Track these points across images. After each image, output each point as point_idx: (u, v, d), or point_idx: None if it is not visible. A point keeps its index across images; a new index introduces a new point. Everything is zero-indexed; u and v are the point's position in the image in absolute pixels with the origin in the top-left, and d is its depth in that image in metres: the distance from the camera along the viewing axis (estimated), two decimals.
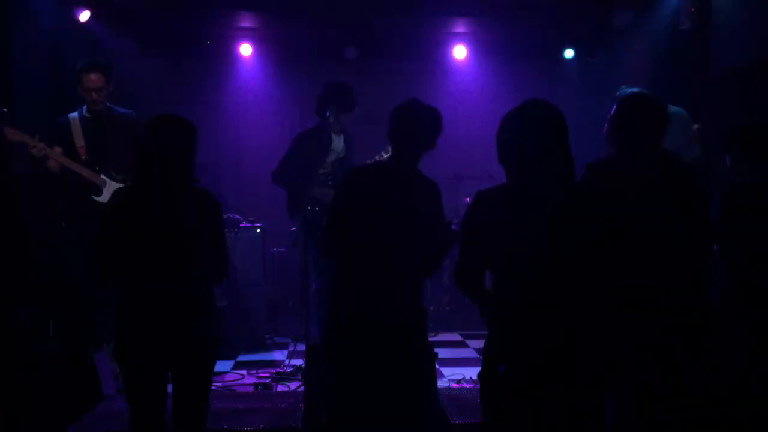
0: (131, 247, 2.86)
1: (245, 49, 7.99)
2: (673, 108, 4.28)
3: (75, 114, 5.07)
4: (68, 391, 4.14)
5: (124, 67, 7.66)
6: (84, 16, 6.74)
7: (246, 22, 7.69)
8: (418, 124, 3.13)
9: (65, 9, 6.50)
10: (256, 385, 4.96)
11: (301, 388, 4.62)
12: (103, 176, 4.95)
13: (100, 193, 4.90)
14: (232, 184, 7.85)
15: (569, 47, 8.14)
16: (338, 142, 5.28)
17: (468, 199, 7.74)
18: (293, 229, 5.82)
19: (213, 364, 3.07)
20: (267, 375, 5.20)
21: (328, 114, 5.06)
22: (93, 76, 4.92)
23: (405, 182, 3.09)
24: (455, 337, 6.89)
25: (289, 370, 5.25)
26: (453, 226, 3.19)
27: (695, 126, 4.99)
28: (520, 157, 2.47)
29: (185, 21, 7.24)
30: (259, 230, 6.75)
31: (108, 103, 5.11)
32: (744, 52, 5.00)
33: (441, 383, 4.68)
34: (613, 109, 3.05)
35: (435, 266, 3.18)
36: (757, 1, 4.94)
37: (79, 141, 4.95)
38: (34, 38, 5.87)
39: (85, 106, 5.07)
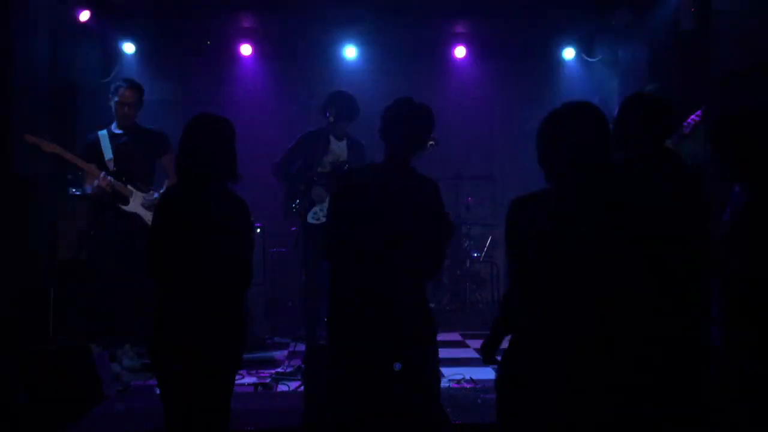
0: (170, 247, 2.89)
1: (245, 49, 7.99)
2: None
3: (104, 131, 5.36)
4: (68, 391, 4.15)
5: (124, 67, 7.68)
6: (84, 16, 6.74)
7: (246, 22, 7.69)
8: (411, 124, 3.10)
9: (65, 9, 6.50)
10: (256, 385, 4.95)
11: (301, 388, 4.62)
12: (129, 186, 5.28)
13: (127, 202, 5.26)
14: (232, 184, 7.85)
15: (569, 47, 8.14)
16: (338, 146, 5.45)
17: (469, 199, 7.75)
18: (293, 229, 5.84)
19: (233, 371, 3.07)
20: (267, 375, 5.20)
21: (327, 114, 5.32)
22: (128, 92, 5.32)
23: (403, 181, 3.06)
24: (455, 337, 6.89)
25: (289, 370, 5.25)
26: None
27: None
28: (561, 160, 2.40)
29: (185, 21, 7.24)
30: (259, 230, 6.75)
31: (136, 121, 5.45)
32: (744, 52, 5.00)
33: (441, 383, 4.68)
34: (618, 109, 3.00)
35: (439, 264, 3.15)
36: (757, 1, 4.94)
37: (108, 154, 5.28)
38: (34, 38, 5.86)
39: (114, 124, 5.38)
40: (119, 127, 5.37)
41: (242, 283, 3.03)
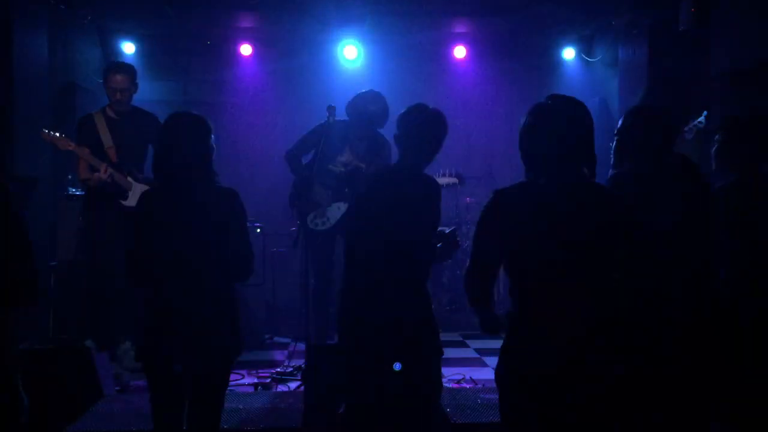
0: (157, 247, 2.89)
1: (245, 49, 7.99)
2: None
3: (98, 112, 5.12)
4: (67, 390, 4.14)
5: None
6: (85, 16, 6.75)
7: (246, 22, 7.69)
8: (422, 129, 3.13)
9: (65, 9, 6.50)
10: (256, 385, 4.96)
11: (301, 388, 4.62)
12: (129, 179, 5.06)
13: (125, 196, 5.03)
14: (231, 184, 7.82)
15: (569, 47, 8.14)
16: (358, 147, 5.09)
17: (468, 199, 7.74)
18: (293, 229, 5.82)
19: (229, 365, 3.08)
20: (267, 375, 5.20)
21: (351, 112, 4.98)
22: (118, 77, 5.04)
23: (402, 181, 3.12)
24: (455, 337, 6.88)
25: (289, 370, 5.25)
26: (452, 232, 3.22)
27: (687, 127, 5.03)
28: (541, 153, 2.47)
29: (185, 21, 7.24)
30: (258, 230, 6.75)
31: (132, 105, 5.19)
32: (744, 52, 5.00)
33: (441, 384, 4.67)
34: (621, 122, 3.06)
35: (429, 258, 3.17)
36: (757, 1, 4.94)
37: (108, 141, 5.03)
38: (34, 38, 5.87)
39: (108, 106, 5.14)
40: (114, 111, 5.12)
41: (240, 273, 3.01)
